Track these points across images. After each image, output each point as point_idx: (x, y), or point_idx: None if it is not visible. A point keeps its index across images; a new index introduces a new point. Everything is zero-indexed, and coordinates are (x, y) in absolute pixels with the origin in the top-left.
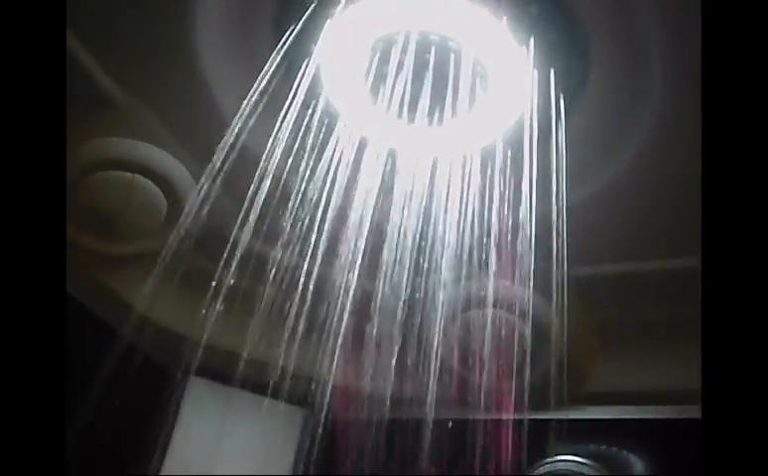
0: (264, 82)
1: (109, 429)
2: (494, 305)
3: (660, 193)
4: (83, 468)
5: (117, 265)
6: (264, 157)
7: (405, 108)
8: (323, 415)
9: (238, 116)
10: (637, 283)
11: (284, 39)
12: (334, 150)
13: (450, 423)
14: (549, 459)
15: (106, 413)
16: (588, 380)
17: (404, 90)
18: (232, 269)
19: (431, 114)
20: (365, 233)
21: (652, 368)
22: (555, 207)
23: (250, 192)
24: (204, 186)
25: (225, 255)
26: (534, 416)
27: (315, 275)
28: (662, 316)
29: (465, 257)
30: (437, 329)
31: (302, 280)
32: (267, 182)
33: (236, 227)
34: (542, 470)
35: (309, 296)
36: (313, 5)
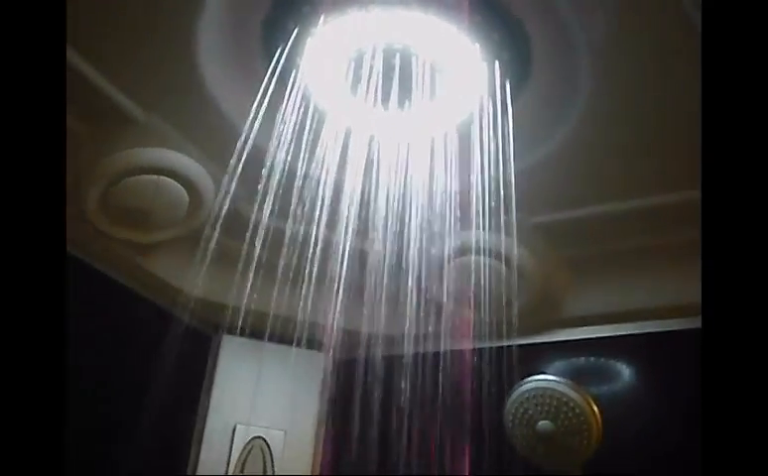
0: (260, 90)
1: (159, 388)
2: (476, 252)
3: (603, 146)
4: (143, 421)
5: (150, 250)
6: (269, 149)
7: (382, 99)
8: (338, 356)
9: (248, 122)
10: (597, 222)
11: (275, 57)
12: (325, 139)
13: (443, 354)
14: (525, 380)
15: (154, 374)
16: (561, 308)
17: (378, 85)
18: (257, 243)
19: (411, 103)
20: (356, 202)
21: (615, 294)
22: (507, 169)
23: (262, 180)
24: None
25: (248, 233)
26: (514, 343)
27: (320, 240)
28: (620, 249)
29: (449, 214)
30: (428, 276)
31: (310, 246)
32: (272, 169)
33: (255, 209)
34: (519, 389)
35: (316, 259)
36: (296, 29)
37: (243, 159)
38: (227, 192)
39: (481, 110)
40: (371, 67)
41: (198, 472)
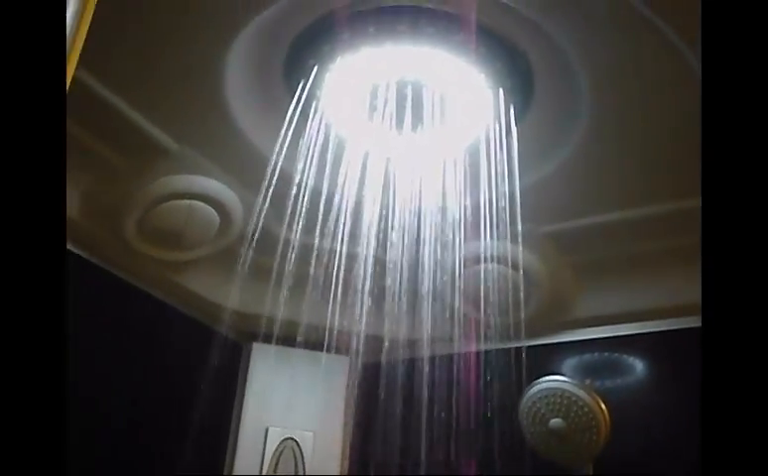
0: (285, 121)
1: (197, 395)
2: (488, 261)
3: (606, 161)
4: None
5: (185, 268)
6: (295, 172)
7: (396, 125)
8: (362, 360)
9: (274, 150)
10: (603, 230)
11: (297, 91)
12: (345, 162)
13: (460, 356)
14: (536, 381)
15: (192, 382)
16: (571, 310)
17: (392, 114)
18: (284, 257)
19: (423, 128)
20: (376, 217)
21: (622, 296)
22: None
23: (289, 200)
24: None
25: (277, 249)
26: (527, 344)
27: (343, 254)
28: (626, 254)
29: (462, 227)
30: (444, 284)
31: (334, 259)
32: (298, 190)
33: (283, 227)
34: (531, 390)
35: (341, 270)
36: (315, 66)
37: (271, 182)
38: (258, 213)
39: (488, 132)
40: (385, 98)
41: (234, 472)
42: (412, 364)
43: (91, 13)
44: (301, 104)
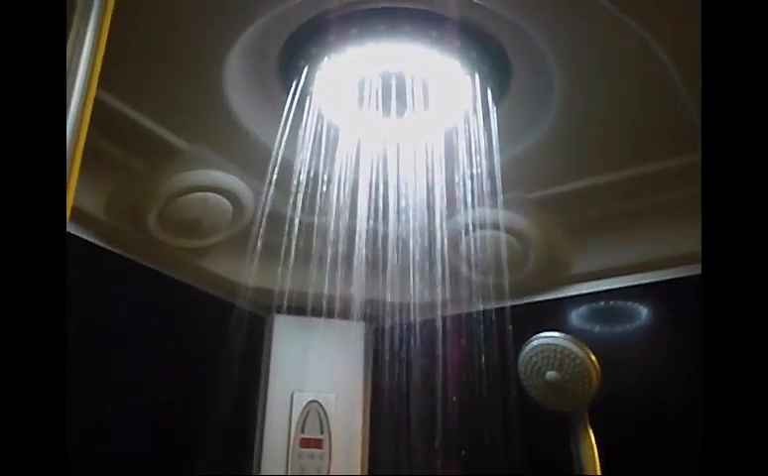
0: (283, 115)
1: (226, 367)
2: (481, 227)
3: (587, 129)
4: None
5: (205, 253)
6: (296, 160)
7: (384, 112)
8: (376, 326)
9: (275, 141)
10: (589, 192)
11: (291, 89)
12: (340, 147)
13: (461, 317)
14: (532, 337)
15: (221, 356)
16: (566, 268)
17: (379, 102)
18: (294, 236)
19: (408, 113)
20: (372, 195)
21: (615, 250)
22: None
23: (293, 185)
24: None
25: (286, 228)
26: (524, 301)
27: (346, 228)
28: (615, 212)
29: (452, 200)
30: (444, 250)
31: (340, 234)
32: (300, 175)
33: (289, 208)
34: (528, 346)
35: (347, 243)
36: (306, 66)
37: (275, 170)
38: (266, 199)
39: (469, 113)
40: (372, 90)
41: (265, 435)
42: (419, 325)
43: (106, 34)
44: (296, 100)
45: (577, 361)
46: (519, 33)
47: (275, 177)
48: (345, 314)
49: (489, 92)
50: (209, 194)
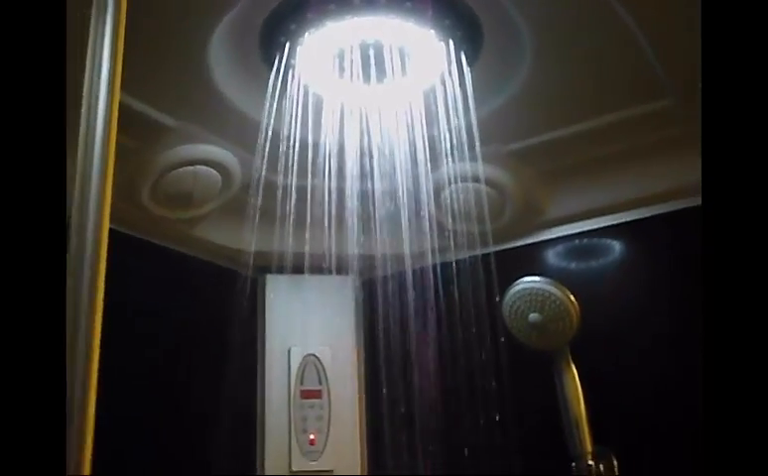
0: (267, 88)
1: (225, 327)
2: (462, 180)
3: (560, 81)
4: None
5: (197, 222)
6: (282, 129)
7: (364, 80)
8: (364, 278)
9: (263, 112)
10: (566, 140)
11: (274, 64)
12: (324, 115)
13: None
14: (515, 282)
15: (220, 317)
16: (545, 213)
17: (359, 71)
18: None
19: (387, 79)
20: (357, 156)
21: (592, 194)
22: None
23: (281, 152)
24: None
25: (278, 193)
26: (503, 247)
27: (334, 190)
28: (591, 157)
29: (433, 156)
30: (427, 203)
31: (326, 195)
32: (288, 143)
33: (278, 175)
34: (511, 290)
35: (333, 203)
36: (287, 42)
37: (266, 141)
38: (255, 167)
39: (445, 75)
40: (352, 60)
41: (267, 389)
42: (406, 275)
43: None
44: (279, 74)
45: (558, 302)
46: (490, 1)
47: (264, 147)
48: (334, 270)
49: (463, 56)
50: (199, 167)
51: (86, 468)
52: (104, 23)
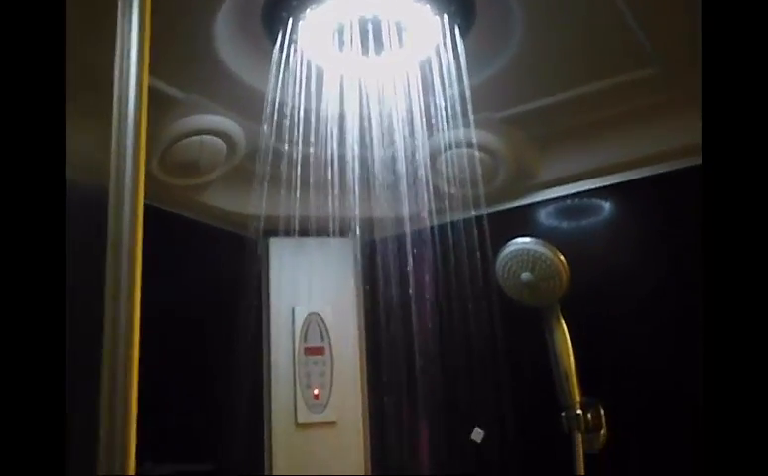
0: (271, 62)
1: (232, 288)
2: (457, 146)
3: (550, 51)
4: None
5: (202, 188)
6: (287, 99)
7: (363, 52)
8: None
9: (268, 84)
10: (556, 107)
11: (277, 39)
12: (326, 85)
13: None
14: (507, 243)
15: (227, 279)
16: (536, 176)
17: (358, 44)
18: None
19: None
20: (357, 124)
21: (583, 157)
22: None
23: (286, 120)
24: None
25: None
26: (497, 209)
27: (335, 156)
28: (581, 123)
29: (428, 122)
30: (424, 168)
31: (328, 161)
32: (292, 112)
33: (283, 143)
34: (503, 251)
35: (335, 168)
36: (289, 17)
37: (274, 112)
38: (270, 136)
39: (439, 47)
40: (351, 34)
41: (272, 347)
42: (406, 237)
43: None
44: (282, 48)
45: (548, 262)
46: None
47: (270, 117)
48: (335, 232)
49: (457, 28)
50: (205, 136)
51: (131, 468)
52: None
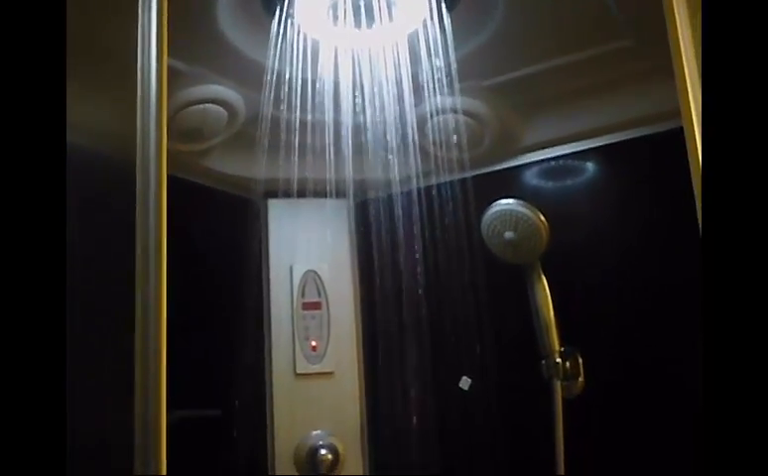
0: (269, 35)
1: (233, 248)
2: (443, 112)
3: (533, 24)
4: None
5: (207, 154)
6: (285, 70)
7: (355, 25)
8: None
9: (267, 56)
10: (537, 76)
11: (275, 14)
12: (321, 56)
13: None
14: (492, 204)
15: (229, 238)
16: (520, 140)
17: (351, 18)
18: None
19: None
20: (350, 92)
21: (566, 121)
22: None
23: (284, 90)
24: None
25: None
26: (482, 171)
27: (330, 123)
28: (565, 89)
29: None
30: (413, 133)
31: (324, 127)
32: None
33: (280, 110)
34: (488, 212)
35: (330, 134)
36: None
37: (272, 83)
38: (267, 104)
39: (427, 20)
40: (345, 8)
41: (272, 302)
42: (398, 198)
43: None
44: (280, 22)
45: (530, 222)
46: None
47: (269, 87)
48: (330, 193)
49: (443, 4)
50: (207, 105)
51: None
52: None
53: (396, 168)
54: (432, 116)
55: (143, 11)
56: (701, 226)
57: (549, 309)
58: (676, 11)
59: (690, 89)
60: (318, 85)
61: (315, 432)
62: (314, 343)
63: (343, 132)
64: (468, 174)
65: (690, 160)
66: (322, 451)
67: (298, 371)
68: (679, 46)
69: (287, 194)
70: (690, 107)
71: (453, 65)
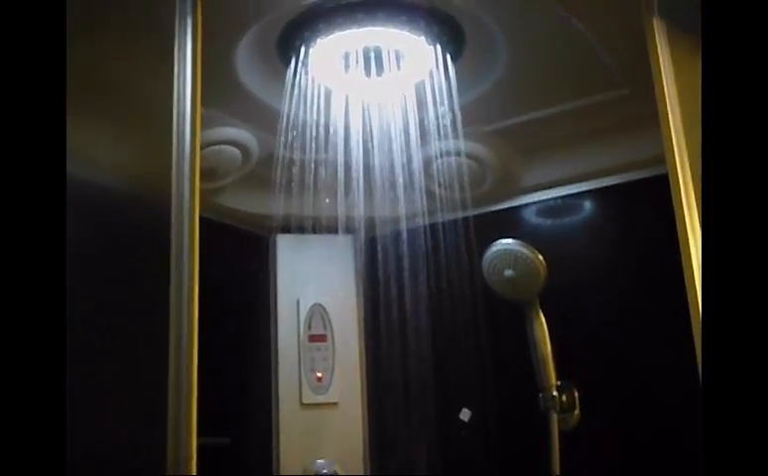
0: (285, 83)
1: (244, 280)
2: (446, 155)
3: (534, 74)
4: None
5: (218, 191)
6: (298, 116)
7: (365, 75)
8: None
9: (283, 102)
10: (537, 122)
11: (291, 63)
12: (332, 103)
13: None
14: (493, 244)
15: (240, 271)
16: (521, 182)
17: (361, 69)
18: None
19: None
20: (360, 137)
21: (565, 165)
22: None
23: (297, 134)
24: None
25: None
26: (484, 211)
27: (340, 164)
28: (563, 134)
29: (424, 134)
30: (418, 174)
31: (334, 167)
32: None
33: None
34: (489, 251)
35: (340, 174)
36: (302, 46)
37: (288, 127)
38: (285, 147)
39: (433, 70)
40: (356, 60)
41: (279, 334)
42: (402, 234)
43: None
44: (295, 71)
45: (528, 261)
46: (471, 12)
47: (283, 131)
48: (338, 230)
49: (448, 56)
50: (223, 146)
51: (192, 467)
52: (185, 34)
53: (402, 206)
54: (436, 158)
55: (178, 61)
56: (684, 270)
57: (546, 344)
58: (661, 64)
59: (674, 137)
60: (329, 129)
61: (319, 461)
62: (319, 374)
63: (353, 172)
64: (470, 212)
65: (674, 204)
66: None
67: (304, 401)
68: (664, 97)
69: (298, 230)
70: (674, 154)
71: (457, 111)
